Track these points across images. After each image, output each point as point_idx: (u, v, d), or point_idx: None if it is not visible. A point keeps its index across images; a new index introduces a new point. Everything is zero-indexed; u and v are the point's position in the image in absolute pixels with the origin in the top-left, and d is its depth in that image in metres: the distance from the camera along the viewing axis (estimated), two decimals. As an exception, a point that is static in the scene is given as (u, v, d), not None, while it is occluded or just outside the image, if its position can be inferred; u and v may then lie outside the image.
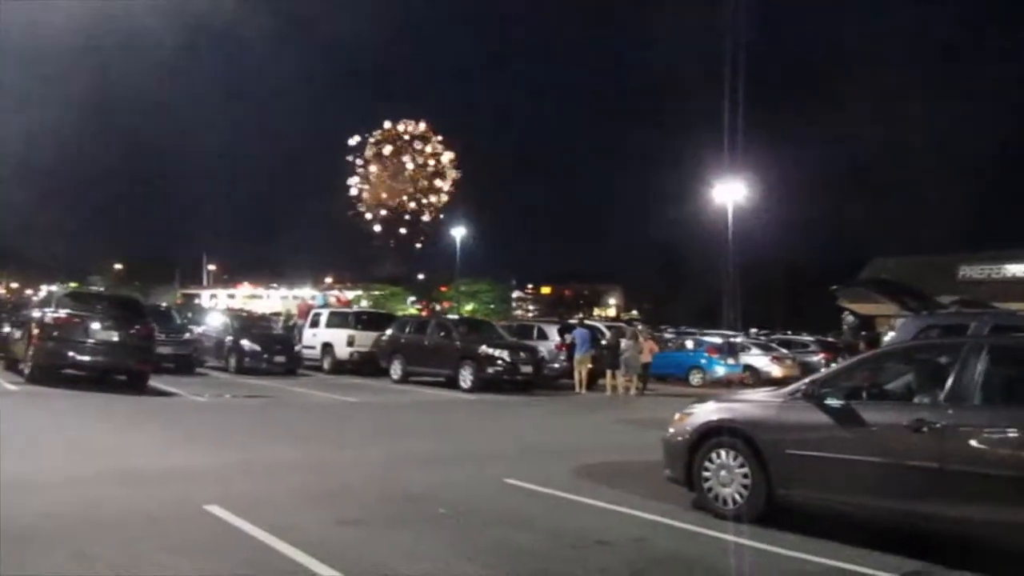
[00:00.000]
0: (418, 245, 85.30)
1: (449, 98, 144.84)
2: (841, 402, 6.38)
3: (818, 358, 26.99)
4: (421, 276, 76.62)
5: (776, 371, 25.69)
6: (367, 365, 22.10)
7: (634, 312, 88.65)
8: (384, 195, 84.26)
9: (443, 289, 69.50)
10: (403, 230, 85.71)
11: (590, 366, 21.23)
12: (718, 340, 27.42)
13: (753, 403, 7.18)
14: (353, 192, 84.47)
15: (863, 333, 18.18)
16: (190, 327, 21.38)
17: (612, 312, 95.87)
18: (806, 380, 7.08)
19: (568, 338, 22.06)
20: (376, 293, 61.51)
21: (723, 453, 7.02)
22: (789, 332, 40.61)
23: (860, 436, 6.17)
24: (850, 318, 18.91)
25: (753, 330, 35.44)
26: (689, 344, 27.19)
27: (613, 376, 20.98)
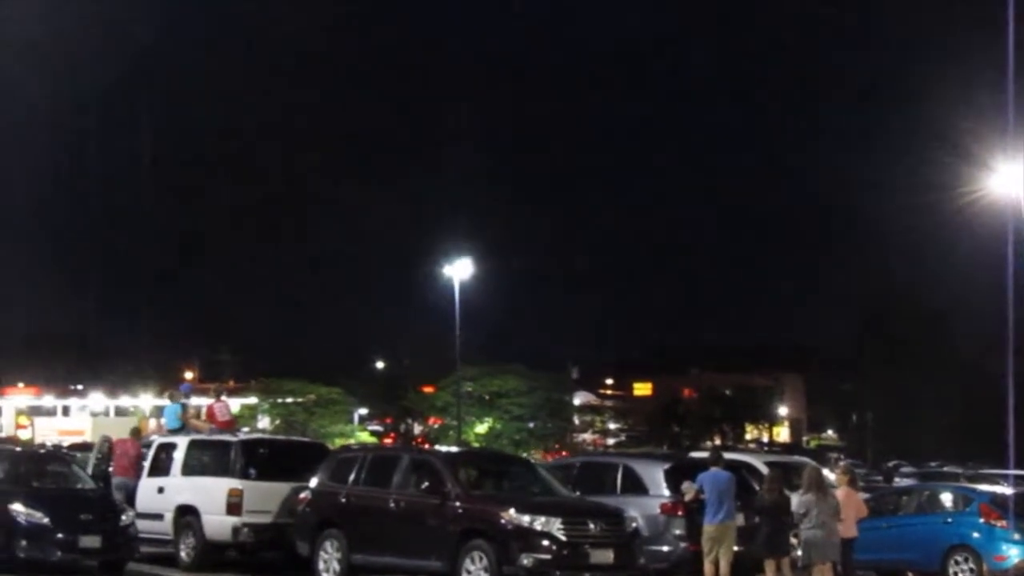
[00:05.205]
0: None
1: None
2: None
3: None
4: (381, 364, 57.23)
5: None
6: (270, 551, 18.05)
7: (830, 432, 70.56)
8: None
9: (428, 390, 51.10)
10: None
11: (736, 548, 16.91)
12: (1006, 490, 22.23)
13: None
14: None
15: None
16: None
17: (784, 431, 77.99)
18: None
19: (689, 488, 17.54)
20: (291, 401, 45.27)
21: None
22: None
23: None
24: None
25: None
26: (946, 498, 21.80)
27: (777, 568, 16.87)
